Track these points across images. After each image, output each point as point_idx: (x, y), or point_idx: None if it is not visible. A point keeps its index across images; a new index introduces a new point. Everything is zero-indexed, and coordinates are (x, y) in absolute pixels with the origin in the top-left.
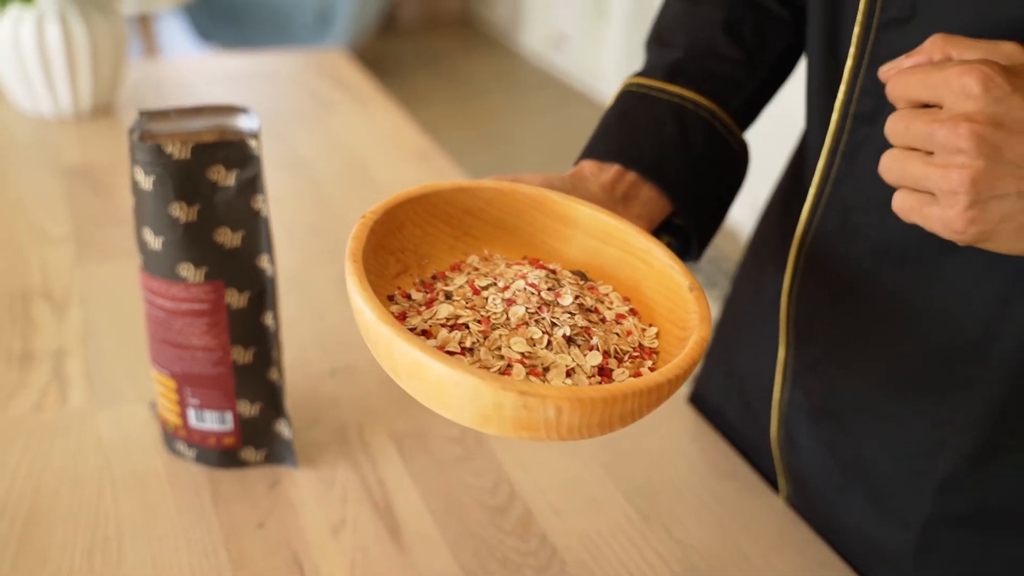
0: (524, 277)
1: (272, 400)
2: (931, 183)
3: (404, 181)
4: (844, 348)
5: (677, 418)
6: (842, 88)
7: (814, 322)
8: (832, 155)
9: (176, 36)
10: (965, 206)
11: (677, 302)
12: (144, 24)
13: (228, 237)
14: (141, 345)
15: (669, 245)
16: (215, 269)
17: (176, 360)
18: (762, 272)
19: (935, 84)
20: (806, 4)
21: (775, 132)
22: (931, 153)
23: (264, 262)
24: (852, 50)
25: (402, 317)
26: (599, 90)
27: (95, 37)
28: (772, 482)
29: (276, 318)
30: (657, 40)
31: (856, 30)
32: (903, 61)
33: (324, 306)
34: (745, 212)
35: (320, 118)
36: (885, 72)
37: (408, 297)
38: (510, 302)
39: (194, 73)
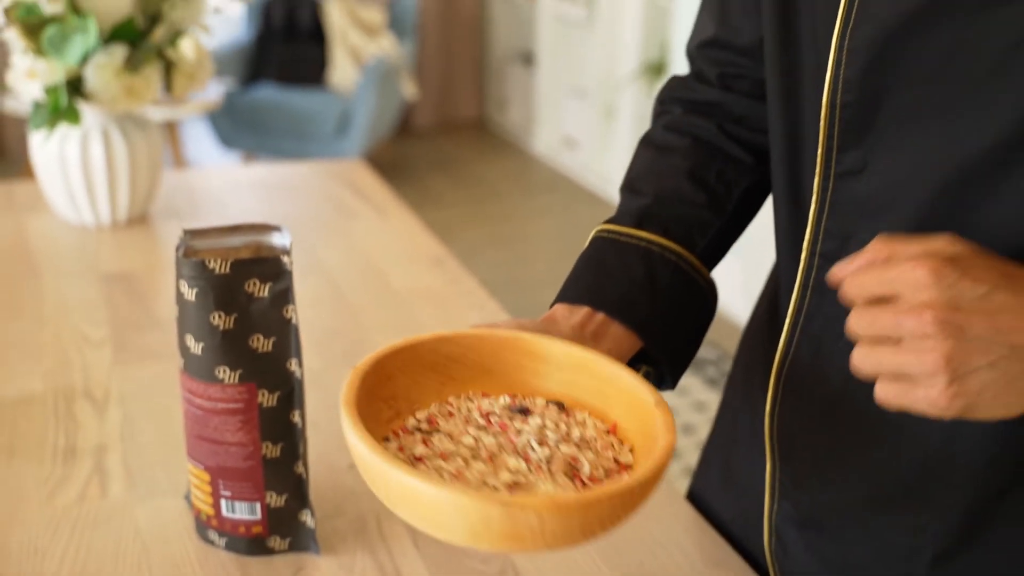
0: (489, 414)
1: (298, 491)
2: (909, 369)
3: (419, 286)
4: (825, 464)
5: (673, 511)
6: (808, 230)
7: (796, 440)
8: (803, 290)
9: (201, 141)
10: (946, 384)
11: (645, 418)
12: (171, 130)
13: (261, 343)
14: (175, 441)
15: (646, 374)
16: (249, 372)
17: (211, 455)
18: (750, 386)
19: (890, 280)
20: (769, 149)
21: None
22: (899, 341)
23: (293, 365)
24: (814, 197)
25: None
26: (608, 191)
27: (134, 152)
28: (765, 574)
29: (302, 416)
30: (628, 188)
31: (816, 180)
32: (851, 264)
33: None
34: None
35: (341, 226)
36: (836, 275)
37: (398, 436)
38: (486, 429)
39: (222, 183)
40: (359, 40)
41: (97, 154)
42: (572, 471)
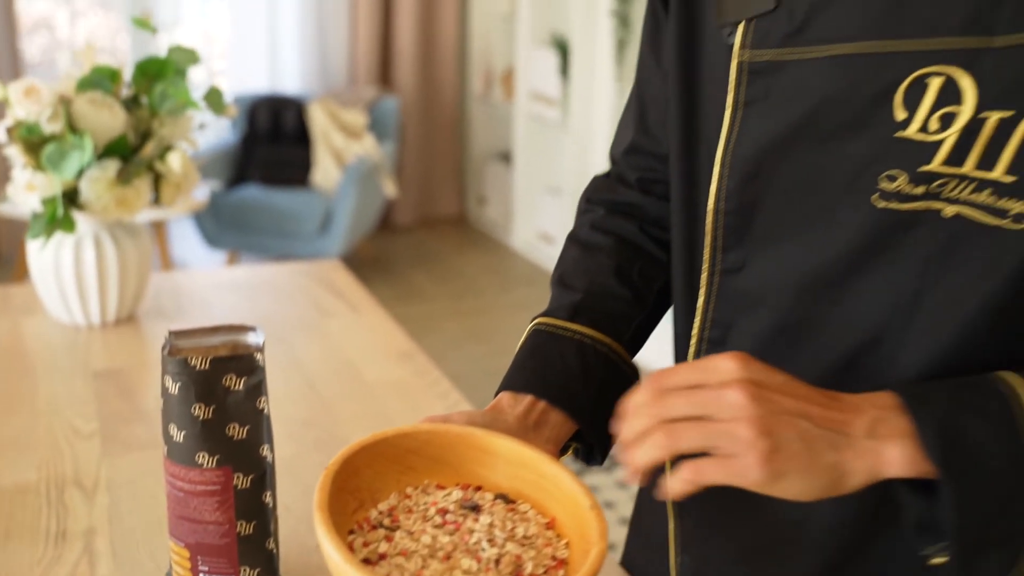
0: (444, 510)
1: (269, 566)
2: (721, 440)
3: (389, 378)
4: (715, 520)
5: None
6: (697, 319)
7: (689, 499)
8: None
9: (187, 240)
10: (761, 449)
11: (581, 519)
12: (158, 229)
13: (237, 431)
14: (157, 523)
15: (576, 451)
16: (225, 457)
17: (191, 532)
18: None
19: (701, 402)
20: None
21: None
22: (705, 419)
23: (265, 451)
24: (703, 290)
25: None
26: None
27: (124, 257)
28: None
29: (274, 497)
30: (560, 283)
31: (704, 275)
32: (636, 398)
33: (313, 487)
34: None
35: (317, 323)
36: (624, 407)
37: (362, 528)
38: (442, 527)
39: (207, 283)
40: (341, 142)
41: (89, 259)
42: (517, 570)
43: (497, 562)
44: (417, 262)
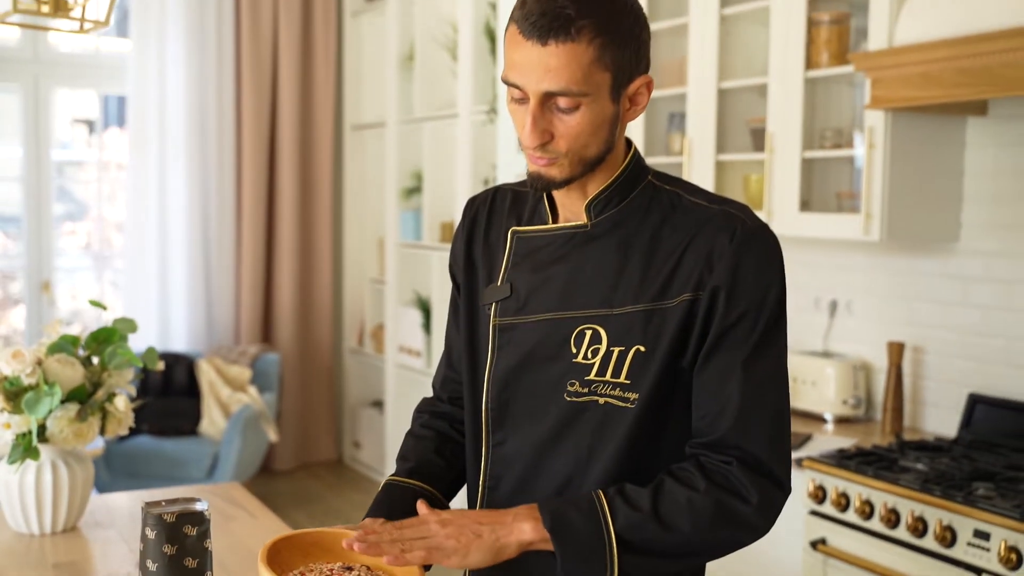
0: (332, 569)
1: None
2: (433, 540)
3: None
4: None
5: None
6: (481, 474)
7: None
8: (481, 504)
9: None
10: (463, 541)
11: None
12: None
13: (191, 562)
14: None
15: None
16: None
17: None
18: None
19: (419, 532)
20: None
21: None
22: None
23: (208, 574)
24: (483, 456)
25: None
26: None
27: (74, 478)
28: None
29: None
30: (403, 458)
31: (484, 448)
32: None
33: None
34: None
35: (221, 524)
36: (351, 543)
37: None
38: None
39: (128, 500)
40: (227, 394)
41: (47, 480)
42: None
43: None
44: (298, 503)
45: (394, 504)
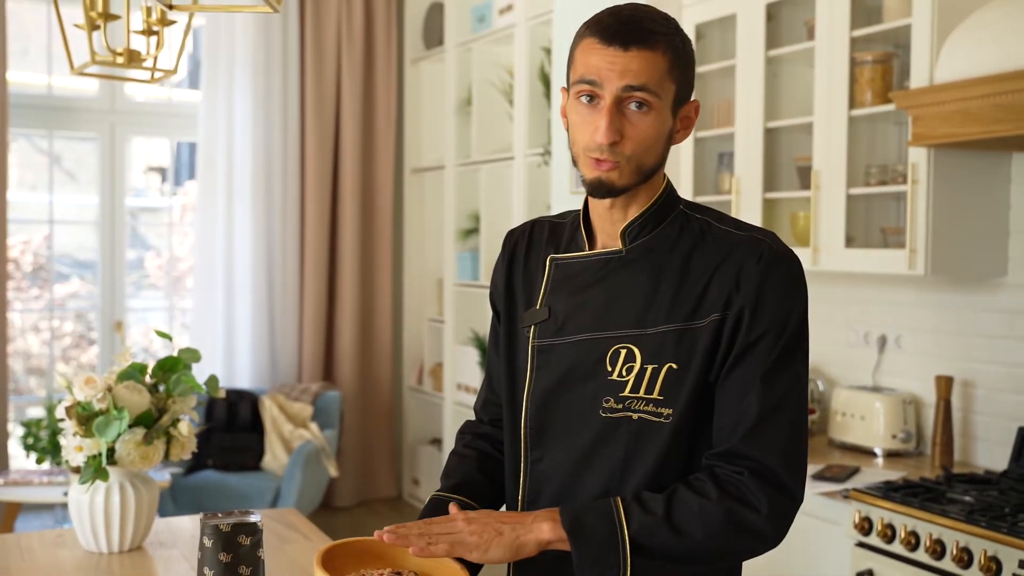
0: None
1: None
2: (457, 536)
3: None
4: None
5: None
6: (520, 489)
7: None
8: (525, 477)
9: None
10: (485, 537)
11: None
12: None
13: (245, 569)
14: None
15: None
16: None
17: None
18: None
19: (445, 528)
20: None
21: None
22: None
23: None
24: (522, 473)
25: None
26: None
27: (140, 499)
28: None
29: None
30: (446, 475)
31: (523, 464)
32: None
33: None
34: None
35: (276, 546)
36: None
37: None
38: None
39: (190, 525)
40: (289, 430)
41: (116, 500)
42: None
43: None
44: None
45: (438, 516)
